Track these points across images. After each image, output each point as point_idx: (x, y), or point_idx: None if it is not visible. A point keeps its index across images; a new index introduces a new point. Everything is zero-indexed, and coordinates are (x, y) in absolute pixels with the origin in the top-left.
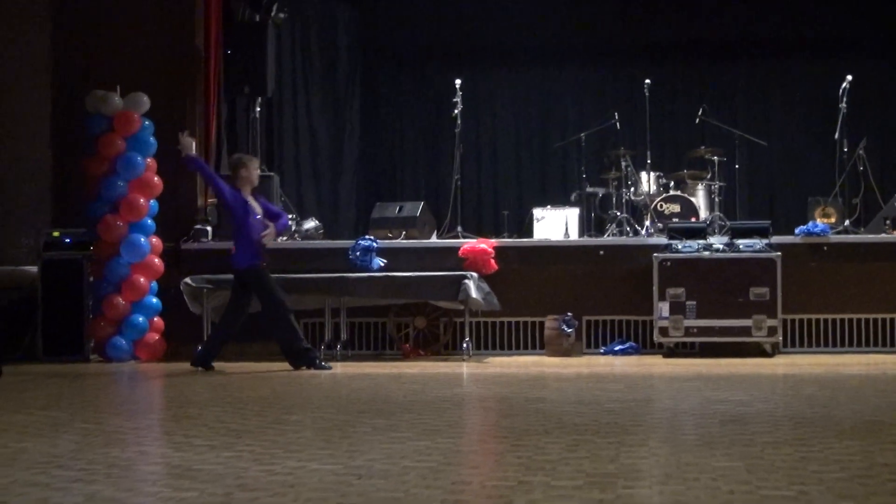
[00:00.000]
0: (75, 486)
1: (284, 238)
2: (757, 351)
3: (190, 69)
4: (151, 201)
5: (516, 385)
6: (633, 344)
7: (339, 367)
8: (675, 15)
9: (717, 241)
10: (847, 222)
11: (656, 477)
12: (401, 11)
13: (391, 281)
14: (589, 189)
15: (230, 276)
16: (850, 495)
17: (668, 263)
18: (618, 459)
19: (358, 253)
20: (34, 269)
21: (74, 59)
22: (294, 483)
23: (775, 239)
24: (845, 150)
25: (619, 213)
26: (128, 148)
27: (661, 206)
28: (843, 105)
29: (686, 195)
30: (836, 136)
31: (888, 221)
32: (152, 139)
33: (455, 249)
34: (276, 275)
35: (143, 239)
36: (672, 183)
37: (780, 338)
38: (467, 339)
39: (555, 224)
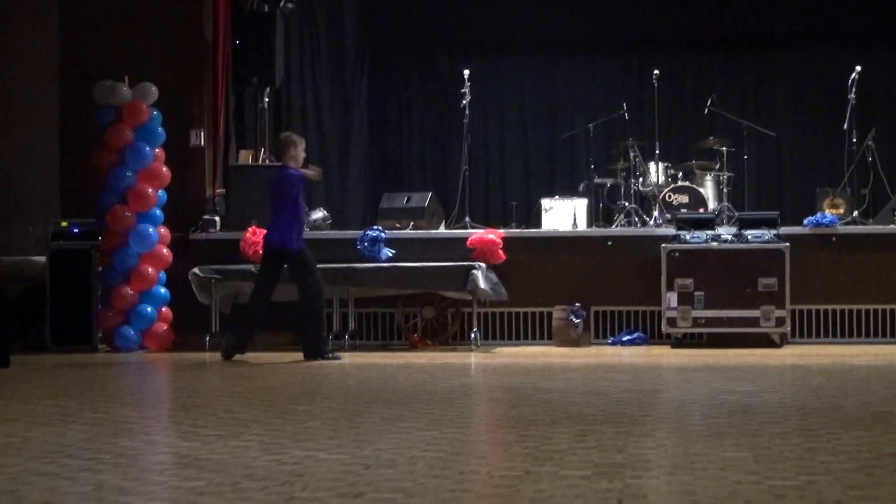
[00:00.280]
0: (83, 476)
1: None
2: (765, 341)
3: (198, 60)
4: (160, 191)
5: (524, 375)
6: (641, 334)
7: (347, 358)
8: (684, 5)
9: (726, 231)
10: (856, 213)
11: (664, 467)
12: (409, 1)
13: (399, 271)
14: (597, 179)
15: (239, 266)
16: (858, 485)
17: (677, 254)
18: (625, 450)
19: (366, 243)
20: (42, 259)
21: (83, 50)
22: (302, 472)
23: (784, 230)
24: (854, 140)
25: (627, 204)
26: (136, 138)
27: (670, 196)
28: (852, 96)
29: (694, 186)
30: (845, 126)
31: None
32: (160, 129)
33: (463, 240)
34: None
35: (151, 229)
36: (680, 173)
37: (788, 328)
38: (475, 329)
39: (563, 214)
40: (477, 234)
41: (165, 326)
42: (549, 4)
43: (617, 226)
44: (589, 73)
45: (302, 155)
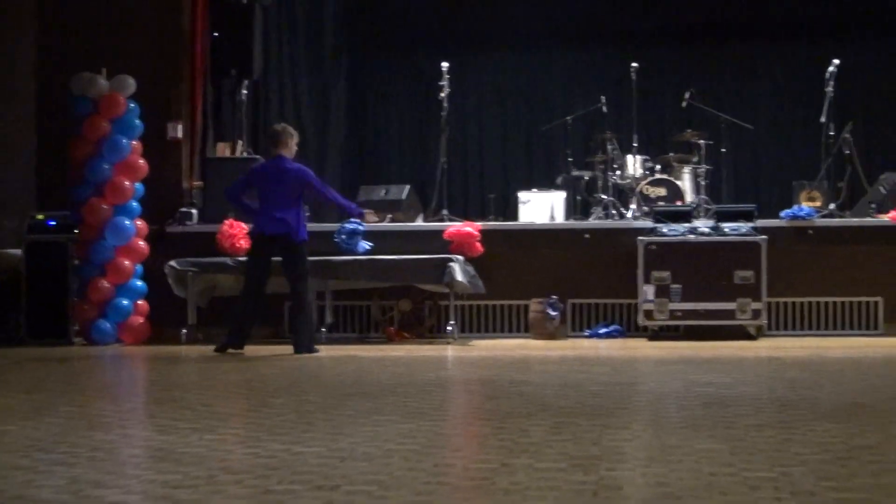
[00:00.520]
0: (58, 470)
1: None
2: (741, 334)
3: (176, 51)
4: (136, 184)
5: (501, 368)
6: (618, 327)
7: (324, 351)
8: None
9: (703, 224)
10: (832, 206)
11: (639, 459)
12: None
13: (376, 264)
14: (575, 172)
15: (216, 259)
16: (832, 477)
17: (654, 247)
18: (601, 442)
19: (343, 236)
20: (18, 252)
21: (60, 41)
22: (278, 466)
23: (761, 222)
24: (831, 133)
25: (604, 197)
26: (113, 130)
27: (647, 189)
28: (830, 89)
29: (672, 179)
30: (823, 119)
31: (873, 205)
32: (138, 122)
33: (440, 232)
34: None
35: (127, 222)
36: (658, 166)
37: (765, 321)
38: (452, 322)
39: (540, 207)
40: (454, 226)
41: (142, 320)
42: None
43: (594, 218)
44: (567, 65)
45: (295, 148)
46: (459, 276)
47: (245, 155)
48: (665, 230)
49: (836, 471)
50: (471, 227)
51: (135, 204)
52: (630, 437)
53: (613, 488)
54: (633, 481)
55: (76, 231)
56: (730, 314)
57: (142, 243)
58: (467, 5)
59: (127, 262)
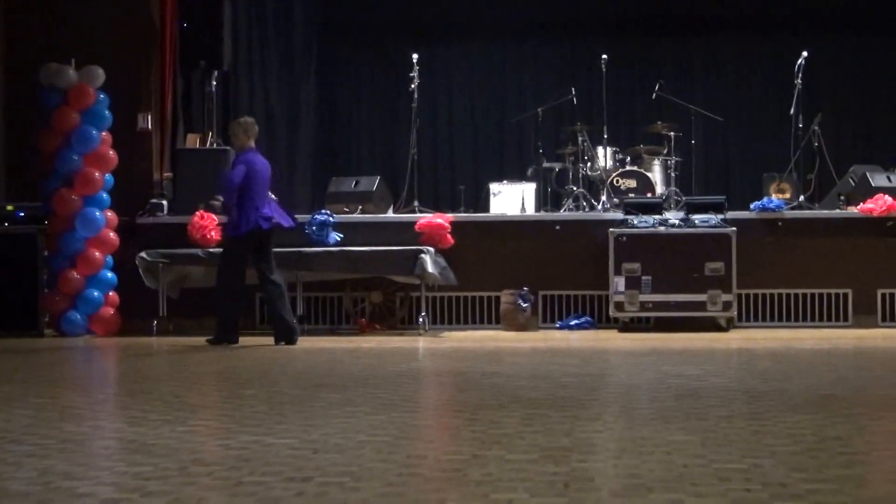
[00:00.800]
0: (28, 461)
1: None
2: (712, 325)
3: (146, 42)
4: (106, 175)
5: (472, 359)
6: (589, 318)
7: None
8: None
9: (673, 216)
10: (802, 198)
11: (611, 451)
12: None
13: (347, 255)
14: (545, 164)
15: (187, 251)
16: (802, 468)
17: (624, 238)
18: (572, 433)
19: (314, 227)
20: None
21: (28, 32)
22: (249, 457)
23: (731, 214)
24: (800, 125)
25: (575, 189)
26: (82, 121)
27: (618, 181)
28: (799, 81)
29: (642, 170)
30: (792, 111)
31: (842, 197)
32: (107, 113)
33: (411, 224)
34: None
35: (97, 213)
36: (628, 158)
37: (735, 312)
38: (423, 313)
39: (511, 199)
40: (425, 218)
41: (112, 311)
42: None
43: (565, 210)
44: (538, 57)
45: None
46: (430, 268)
47: (215, 146)
48: (635, 222)
49: (806, 462)
50: (441, 219)
51: (105, 195)
52: (601, 429)
53: (585, 480)
54: (605, 473)
55: (46, 222)
56: (700, 306)
57: (112, 234)
58: None
59: (97, 254)
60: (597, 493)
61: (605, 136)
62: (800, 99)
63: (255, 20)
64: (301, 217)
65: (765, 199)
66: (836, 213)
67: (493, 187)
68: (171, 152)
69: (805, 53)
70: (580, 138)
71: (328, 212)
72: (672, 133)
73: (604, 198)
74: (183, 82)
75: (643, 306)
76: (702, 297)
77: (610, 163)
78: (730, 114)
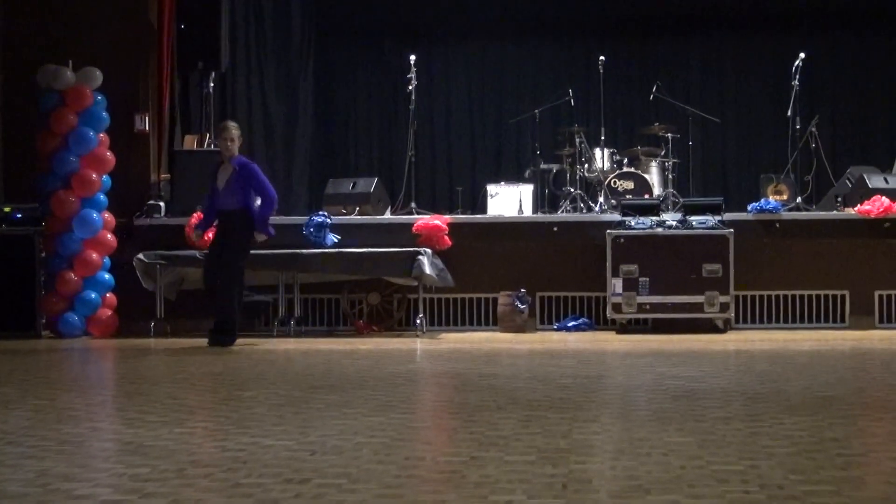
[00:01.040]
0: (27, 463)
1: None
2: (709, 327)
3: (143, 44)
4: (104, 177)
5: (469, 361)
6: (587, 320)
7: (293, 344)
8: None
9: (671, 217)
10: (799, 199)
11: (608, 452)
12: None
13: (345, 257)
14: (543, 165)
15: (184, 252)
16: (800, 470)
17: (622, 240)
18: (570, 435)
19: (312, 229)
20: None
21: (26, 34)
22: (247, 459)
23: (728, 216)
24: (797, 127)
25: (572, 190)
26: (80, 123)
27: (615, 182)
28: (796, 82)
29: (640, 172)
30: (789, 113)
31: (839, 199)
32: (105, 114)
33: (409, 225)
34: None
35: (95, 214)
36: (626, 159)
37: (732, 314)
38: (421, 315)
39: (509, 200)
40: (423, 219)
41: (110, 312)
42: None
43: (562, 212)
44: (535, 58)
45: None
46: (428, 270)
47: (213, 147)
48: (633, 223)
49: (803, 463)
50: (439, 220)
51: (102, 196)
52: (599, 431)
53: (583, 481)
54: (603, 474)
55: (43, 223)
56: (698, 307)
57: (109, 236)
58: None
59: (95, 255)
60: (595, 495)
61: (603, 138)
62: (797, 100)
63: (252, 22)
64: (298, 218)
65: (762, 201)
66: (834, 214)
67: (491, 189)
68: (169, 154)
69: (802, 55)
70: (577, 140)
71: (325, 213)
72: (669, 134)
73: (601, 199)
74: (180, 84)
75: (641, 308)
76: (699, 299)
77: (607, 164)
78: (727, 115)
